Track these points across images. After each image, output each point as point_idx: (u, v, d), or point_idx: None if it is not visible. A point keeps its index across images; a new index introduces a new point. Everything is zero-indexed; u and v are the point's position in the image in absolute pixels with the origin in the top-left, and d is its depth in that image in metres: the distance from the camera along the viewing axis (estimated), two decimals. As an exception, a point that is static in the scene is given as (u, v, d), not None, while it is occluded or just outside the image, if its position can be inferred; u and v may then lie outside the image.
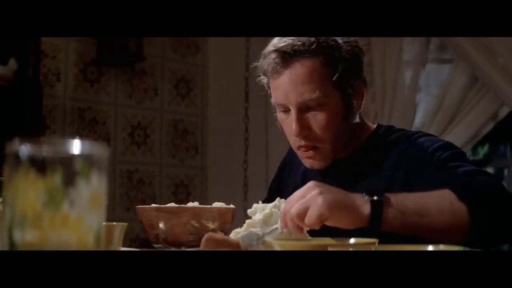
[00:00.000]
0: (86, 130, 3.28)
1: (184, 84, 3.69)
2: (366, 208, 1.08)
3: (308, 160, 1.43)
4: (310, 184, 1.09)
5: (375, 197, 1.09)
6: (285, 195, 1.54)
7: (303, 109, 1.35)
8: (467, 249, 1.12)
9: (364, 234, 1.01)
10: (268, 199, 1.54)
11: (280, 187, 1.64)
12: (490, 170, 3.37)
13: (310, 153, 1.40)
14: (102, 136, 3.33)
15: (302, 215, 1.05)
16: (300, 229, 1.08)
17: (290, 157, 1.64)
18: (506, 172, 3.43)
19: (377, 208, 1.09)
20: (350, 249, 0.84)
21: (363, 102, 1.43)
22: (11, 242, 0.53)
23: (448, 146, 1.36)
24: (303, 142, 1.38)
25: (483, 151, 3.57)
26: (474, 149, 3.32)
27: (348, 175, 1.40)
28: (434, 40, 3.10)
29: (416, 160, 1.34)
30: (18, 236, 0.53)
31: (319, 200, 1.04)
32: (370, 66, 3.14)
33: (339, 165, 1.42)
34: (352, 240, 0.95)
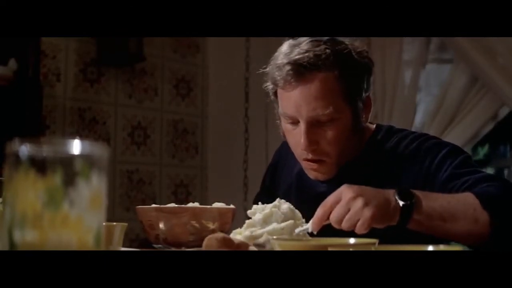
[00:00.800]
0: (86, 130, 3.28)
1: (184, 84, 3.69)
2: (397, 211, 1.11)
3: (312, 172, 1.41)
4: (349, 190, 1.09)
5: (407, 202, 1.12)
6: (278, 192, 1.54)
7: (313, 124, 1.32)
8: (466, 249, 1.14)
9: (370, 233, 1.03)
10: (262, 194, 1.54)
11: (273, 184, 1.63)
12: (490, 170, 3.37)
13: (316, 165, 1.38)
14: (102, 136, 3.33)
15: (341, 221, 1.09)
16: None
17: (284, 155, 1.62)
18: (506, 172, 3.43)
19: (407, 212, 1.12)
20: (350, 249, 0.84)
21: (371, 114, 1.43)
22: (11, 242, 0.53)
23: (457, 151, 1.36)
24: (310, 156, 1.36)
25: (483, 151, 3.57)
26: (474, 149, 3.32)
27: (351, 180, 1.40)
28: (434, 40, 3.10)
29: (426, 167, 1.33)
30: (18, 236, 0.53)
31: (367, 213, 1.07)
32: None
33: (341, 170, 1.41)
34: (352, 240, 0.95)
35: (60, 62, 3.21)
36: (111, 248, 1.14)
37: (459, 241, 1.21)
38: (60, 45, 3.20)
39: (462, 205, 1.16)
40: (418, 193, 1.14)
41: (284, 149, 1.63)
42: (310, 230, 1.13)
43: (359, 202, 1.07)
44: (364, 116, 1.39)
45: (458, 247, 0.73)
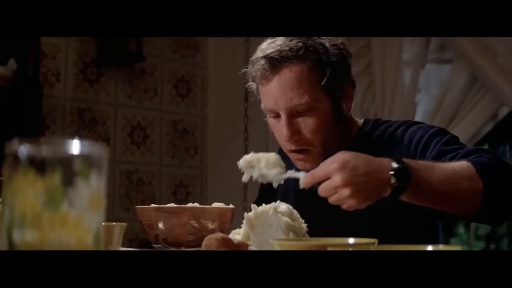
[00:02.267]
0: (85, 130, 3.28)
1: (184, 84, 3.69)
2: (390, 188, 1.10)
3: (299, 162, 1.43)
4: (340, 173, 1.07)
5: (402, 183, 1.10)
6: (277, 197, 1.54)
7: (293, 114, 1.36)
8: (464, 248, 1.14)
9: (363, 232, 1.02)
10: (260, 200, 1.54)
11: (270, 191, 1.63)
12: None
13: (301, 156, 1.41)
14: (102, 136, 3.33)
15: (327, 197, 1.09)
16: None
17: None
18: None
19: (399, 192, 1.10)
20: (350, 249, 0.84)
21: (353, 103, 1.45)
22: (11, 242, 0.53)
23: (442, 131, 1.39)
24: (293, 147, 1.39)
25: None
26: (474, 149, 3.31)
27: None
28: (434, 40, 3.10)
29: (413, 149, 1.35)
30: (17, 236, 0.53)
31: (352, 203, 1.07)
32: (370, 66, 3.14)
33: None
34: (351, 240, 0.95)
35: (60, 62, 3.21)
36: (111, 248, 1.14)
37: (451, 208, 1.21)
38: (60, 45, 3.20)
39: (459, 178, 1.15)
40: (415, 165, 1.13)
41: (280, 154, 1.64)
42: (301, 186, 1.13)
43: (346, 192, 1.07)
44: (344, 105, 1.42)
45: (458, 247, 0.73)
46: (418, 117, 3.10)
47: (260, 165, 1.17)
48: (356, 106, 1.50)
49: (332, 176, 1.08)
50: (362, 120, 1.52)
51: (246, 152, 1.18)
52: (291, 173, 1.15)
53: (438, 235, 1.48)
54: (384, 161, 1.12)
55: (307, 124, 1.37)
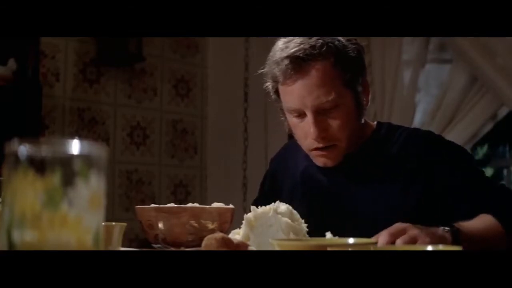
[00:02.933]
0: (85, 130, 3.28)
1: (184, 84, 3.69)
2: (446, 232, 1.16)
3: (321, 159, 1.44)
4: (414, 227, 1.11)
5: (454, 229, 1.17)
6: (282, 195, 1.55)
7: (319, 112, 1.36)
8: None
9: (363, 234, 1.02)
10: (260, 200, 1.54)
11: (273, 190, 1.63)
12: (489, 170, 3.37)
13: (325, 152, 1.42)
14: (102, 136, 3.33)
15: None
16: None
17: (282, 161, 1.64)
18: (505, 172, 3.43)
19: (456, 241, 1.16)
20: (349, 249, 0.84)
21: (370, 96, 1.47)
22: (10, 242, 0.53)
23: (467, 155, 1.45)
24: (320, 144, 1.40)
25: (482, 151, 3.58)
26: (474, 149, 3.32)
27: (354, 170, 1.44)
28: (434, 40, 3.10)
29: (436, 167, 1.38)
30: (17, 236, 0.53)
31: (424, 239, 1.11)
32: (370, 66, 3.14)
33: (345, 160, 1.44)
34: (351, 240, 0.94)
35: (60, 62, 3.21)
36: (110, 248, 1.14)
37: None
38: (60, 45, 3.20)
39: (492, 235, 1.25)
40: (460, 226, 1.20)
41: (282, 156, 1.66)
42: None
43: (423, 237, 1.10)
44: (365, 99, 1.44)
45: (457, 247, 0.73)
46: (418, 117, 3.10)
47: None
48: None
49: (408, 231, 1.10)
50: (375, 123, 1.54)
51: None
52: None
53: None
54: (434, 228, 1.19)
55: (334, 121, 1.37)
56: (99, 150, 0.56)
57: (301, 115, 1.39)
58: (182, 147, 3.66)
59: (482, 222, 1.26)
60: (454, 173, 1.37)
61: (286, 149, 1.69)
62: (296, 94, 1.36)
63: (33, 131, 2.75)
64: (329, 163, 1.44)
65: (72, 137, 0.66)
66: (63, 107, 3.21)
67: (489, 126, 2.93)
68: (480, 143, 3.06)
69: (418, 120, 3.13)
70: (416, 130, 1.52)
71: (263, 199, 1.61)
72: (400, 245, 1.10)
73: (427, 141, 1.43)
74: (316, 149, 1.41)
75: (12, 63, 2.76)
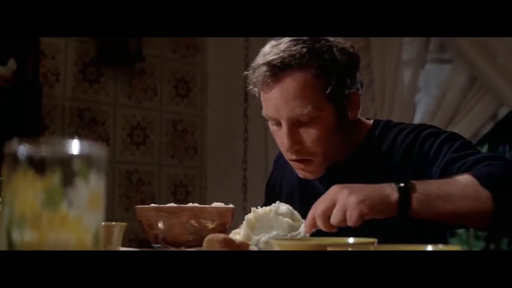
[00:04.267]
0: (85, 130, 3.28)
1: (184, 84, 3.69)
2: (394, 196, 1.09)
3: (300, 172, 1.41)
4: (335, 187, 1.09)
5: (402, 184, 1.10)
6: (282, 199, 1.54)
7: (294, 123, 1.31)
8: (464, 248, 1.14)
9: (370, 231, 1.02)
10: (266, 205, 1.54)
11: (274, 192, 1.62)
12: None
13: (302, 165, 1.38)
14: (102, 136, 3.33)
15: (328, 213, 1.08)
16: (333, 227, 1.09)
17: (281, 164, 1.62)
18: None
19: (405, 194, 1.09)
20: (349, 249, 0.84)
21: (359, 110, 1.39)
22: (10, 242, 0.53)
23: (454, 136, 1.34)
24: (294, 156, 1.35)
25: (482, 151, 3.57)
26: (474, 149, 3.31)
27: (350, 177, 1.39)
28: (434, 40, 3.10)
29: (424, 157, 1.31)
30: (16, 236, 0.53)
31: (353, 199, 1.06)
32: (369, 66, 3.14)
33: (338, 168, 1.39)
34: (351, 240, 0.94)
35: (60, 62, 3.21)
36: (110, 248, 1.14)
37: (462, 222, 1.19)
38: (60, 45, 3.20)
39: (460, 185, 1.13)
40: (413, 181, 1.12)
41: (281, 159, 1.64)
42: (302, 234, 1.12)
43: (354, 198, 1.06)
44: (350, 113, 1.36)
45: (457, 247, 0.73)
46: (418, 117, 3.10)
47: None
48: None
49: (337, 198, 1.08)
50: (372, 121, 1.46)
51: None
52: (294, 233, 1.14)
53: (447, 241, 1.45)
54: (383, 184, 1.12)
55: (309, 134, 1.31)
56: (99, 150, 0.56)
57: (278, 123, 1.34)
58: (182, 147, 3.66)
59: (454, 179, 1.16)
60: (439, 157, 1.28)
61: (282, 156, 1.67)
62: (273, 103, 1.31)
63: (33, 131, 2.75)
64: (308, 175, 1.40)
65: (72, 137, 0.66)
66: (63, 107, 3.21)
67: (489, 126, 2.93)
68: (480, 143, 3.05)
69: (418, 120, 3.13)
70: (408, 125, 1.43)
71: (268, 203, 1.61)
72: (336, 219, 1.07)
73: (413, 133, 1.36)
74: (292, 160, 1.37)
75: (12, 63, 2.76)
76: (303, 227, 1.13)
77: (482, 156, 1.23)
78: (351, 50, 1.35)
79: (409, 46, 3.10)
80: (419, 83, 3.12)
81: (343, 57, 1.32)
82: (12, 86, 2.74)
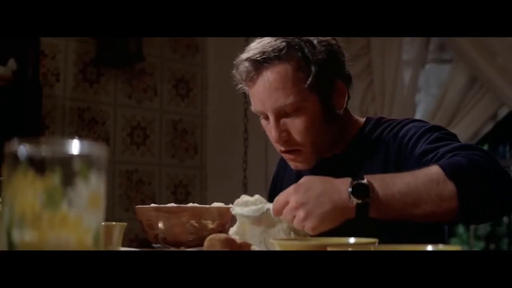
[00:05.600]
0: (85, 130, 3.28)
1: (184, 84, 3.69)
2: (353, 208, 1.08)
3: (292, 163, 1.43)
4: (293, 197, 1.09)
5: (361, 200, 1.07)
6: None
7: (280, 115, 1.35)
8: (447, 248, 1.13)
9: (361, 231, 1.02)
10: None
11: (276, 192, 1.63)
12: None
13: (292, 156, 1.40)
14: (102, 136, 3.33)
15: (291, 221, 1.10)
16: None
17: (283, 164, 1.64)
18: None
19: (364, 210, 1.08)
20: (349, 249, 0.84)
21: (346, 99, 1.41)
22: (10, 242, 0.53)
23: (435, 128, 1.33)
24: (283, 147, 1.38)
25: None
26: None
27: (340, 172, 1.39)
28: (434, 40, 3.10)
29: (404, 148, 1.32)
30: (17, 236, 0.53)
31: (309, 224, 1.07)
32: (369, 66, 3.14)
33: (330, 163, 1.42)
34: (351, 240, 0.94)
35: (60, 62, 3.21)
36: (110, 248, 1.14)
37: (426, 221, 1.17)
38: (60, 45, 3.20)
39: (424, 184, 1.09)
40: (374, 179, 1.09)
41: (282, 160, 1.65)
42: (273, 214, 1.14)
43: (300, 214, 1.07)
44: (336, 102, 1.39)
45: (457, 247, 0.73)
46: (418, 117, 3.10)
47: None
48: (356, 106, 1.50)
49: (290, 199, 1.09)
50: (364, 119, 1.49)
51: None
52: (264, 206, 1.15)
53: (444, 239, 1.45)
54: (342, 181, 1.10)
55: (295, 124, 1.35)
56: (99, 150, 0.56)
57: (266, 117, 1.38)
58: (182, 147, 3.66)
59: (417, 171, 1.13)
60: (418, 145, 1.27)
61: None
62: (257, 96, 1.36)
63: (33, 131, 2.75)
64: (299, 166, 1.42)
65: (72, 137, 0.66)
66: (63, 107, 3.21)
67: (489, 126, 2.93)
68: (480, 143, 3.05)
69: (418, 120, 3.13)
70: (395, 120, 1.44)
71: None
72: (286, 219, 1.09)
73: (397, 127, 1.38)
74: (282, 152, 1.40)
75: (12, 63, 2.76)
76: (272, 208, 1.14)
77: (453, 147, 1.19)
78: (333, 41, 1.38)
79: (409, 46, 3.10)
80: (419, 83, 3.12)
81: (323, 48, 1.35)
82: (12, 86, 2.74)
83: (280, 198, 1.12)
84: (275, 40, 1.34)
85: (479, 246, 3.83)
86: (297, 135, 1.35)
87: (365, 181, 1.08)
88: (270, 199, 1.60)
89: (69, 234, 0.53)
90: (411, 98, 3.09)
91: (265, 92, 1.34)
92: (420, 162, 1.22)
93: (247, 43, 1.43)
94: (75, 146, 0.54)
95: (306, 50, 1.33)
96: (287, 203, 1.10)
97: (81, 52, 3.27)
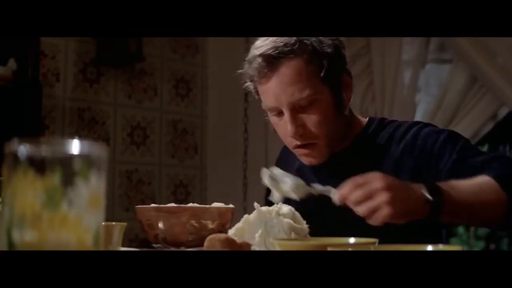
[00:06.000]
0: (85, 130, 3.28)
1: (184, 84, 3.69)
2: (427, 207, 1.12)
3: (305, 158, 1.44)
4: (379, 180, 1.09)
5: (436, 198, 1.13)
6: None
7: (295, 109, 1.36)
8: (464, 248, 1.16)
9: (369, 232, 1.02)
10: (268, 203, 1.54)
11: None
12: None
13: (307, 150, 1.41)
14: (102, 136, 3.33)
15: (358, 204, 1.09)
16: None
17: (283, 158, 1.64)
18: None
19: (437, 207, 1.13)
20: (350, 249, 0.84)
21: (352, 93, 1.45)
22: (10, 242, 0.53)
23: (454, 135, 1.39)
24: (299, 142, 1.39)
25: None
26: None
27: (346, 169, 1.39)
28: (434, 40, 3.10)
29: (425, 152, 1.36)
30: (17, 236, 0.53)
31: (386, 211, 1.07)
32: (370, 66, 3.14)
33: (335, 159, 1.43)
34: (351, 240, 0.95)
35: (60, 62, 3.21)
36: (110, 248, 1.14)
37: (478, 226, 1.29)
38: (60, 45, 3.20)
39: (485, 192, 1.19)
40: (443, 186, 1.16)
41: (280, 159, 1.67)
42: (337, 203, 1.13)
43: (383, 196, 1.07)
44: (345, 94, 1.42)
45: (457, 247, 0.73)
46: (418, 117, 3.10)
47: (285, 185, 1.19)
48: (356, 106, 1.50)
49: (372, 182, 1.09)
50: (367, 119, 1.52)
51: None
52: (321, 189, 1.16)
53: (442, 239, 1.47)
54: (415, 184, 1.15)
55: (311, 117, 1.36)
56: (99, 150, 0.56)
57: (279, 113, 1.39)
58: (182, 147, 3.66)
59: (475, 181, 1.21)
60: (444, 156, 1.34)
61: (282, 151, 1.69)
62: (271, 92, 1.36)
63: (33, 131, 2.75)
64: (313, 161, 1.43)
65: (72, 137, 0.66)
66: (63, 107, 3.21)
67: (489, 126, 2.93)
68: (480, 143, 3.05)
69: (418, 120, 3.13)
70: (404, 122, 1.49)
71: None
72: (362, 212, 1.08)
73: (411, 130, 1.42)
74: (297, 147, 1.41)
75: (12, 63, 2.76)
76: (336, 195, 1.13)
77: (489, 158, 1.29)
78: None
79: (409, 46, 3.10)
80: (419, 83, 3.12)
81: (329, 42, 1.37)
82: (12, 86, 2.74)
83: (358, 179, 1.11)
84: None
85: (479, 246, 3.83)
86: (312, 128, 1.37)
87: (437, 185, 1.15)
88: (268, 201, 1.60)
89: (69, 234, 0.53)
90: (411, 98, 3.09)
91: (280, 87, 1.34)
92: (454, 172, 1.28)
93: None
94: (75, 146, 0.54)
95: (315, 44, 1.35)
96: (362, 184, 1.09)
97: (81, 52, 3.27)
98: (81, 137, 3.21)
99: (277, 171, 1.22)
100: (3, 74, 2.72)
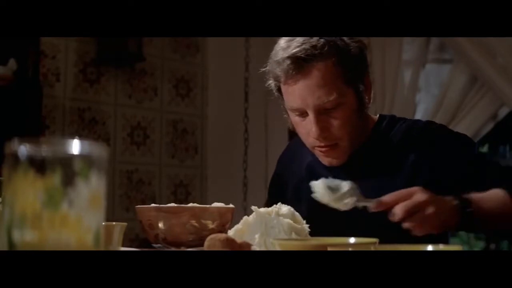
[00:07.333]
0: (85, 130, 3.28)
1: (184, 84, 3.69)
2: (458, 219, 1.19)
3: (326, 158, 1.45)
4: (423, 194, 1.14)
5: (470, 209, 1.19)
6: (287, 191, 1.55)
7: (320, 111, 1.36)
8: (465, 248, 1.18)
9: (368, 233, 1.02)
10: (269, 204, 1.54)
11: (280, 189, 1.64)
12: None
13: (328, 151, 1.42)
14: (102, 136, 3.33)
15: (406, 214, 1.13)
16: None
17: (289, 153, 1.64)
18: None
19: (469, 218, 1.19)
20: (349, 249, 0.84)
21: (372, 94, 1.47)
22: (10, 242, 0.53)
23: (469, 141, 1.45)
24: (322, 143, 1.40)
25: (482, 151, 3.57)
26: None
27: (361, 165, 1.44)
28: (434, 40, 3.10)
29: (446, 155, 1.39)
30: (17, 236, 0.53)
31: (434, 222, 1.14)
32: (370, 66, 3.14)
33: (350, 158, 1.45)
34: (351, 240, 0.95)
35: (60, 62, 3.21)
36: (111, 248, 1.14)
37: (493, 236, 1.36)
38: (60, 45, 3.20)
39: (504, 204, 1.26)
40: (472, 198, 1.21)
41: (286, 155, 1.65)
42: (372, 210, 1.16)
43: (430, 209, 1.12)
44: (367, 96, 1.44)
45: (457, 247, 0.73)
46: (418, 117, 3.10)
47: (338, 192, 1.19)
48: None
49: (415, 195, 1.13)
50: (377, 115, 1.54)
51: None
52: (362, 203, 1.17)
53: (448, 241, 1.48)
54: (447, 196, 1.20)
55: (335, 120, 1.38)
56: (99, 150, 0.56)
57: (303, 114, 1.39)
58: (182, 147, 3.66)
59: (493, 194, 1.27)
60: (459, 162, 1.37)
61: (290, 147, 1.70)
62: (298, 94, 1.36)
63: (33, 131, 2.75)
64: (334, 162, 1.44)
65: (73, 137, 0.66)
66: (63, 107, 3.21)
67: (489, 126, 2.93)
68: (481, 143, 3.05)
69: (418, 120, 3.12)
70: (417, 121, 1.51)
71: (271, 201, 1.62)
72: (401, 209, 1.12)
73: (428, 131, 1.44)
74: (319, 147, 1.42)
75: (12, 63, 2.76)
76: (373, 203, 1.15)
77: (504, 170, 1.37)
78: (357, 38, 1.42)
79: (409, 46, 3.10)
80: (420, 83, 3.13)
81: (353, 44, 1.38)
82: (12, 86, 2.74)
83: (403, 191, 1.15)
84: (311, 38, 1.35)
85: (479, 246, 3.83)
86: (336, 130, 1.38)
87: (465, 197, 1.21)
88: (272, 197, 1.61)
89: (70, 234, 0.53)
90: (411, 98, 3.09)
91: (307, 89, 1.35)
92: (472, 180, 1.34)
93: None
94: (75, 146, 0.54)
95: (342, 46, 1.36)
96: (407, 197, 1.13)
97: (81, 52, 3.27)
98: (81, 137, 3.21)
99: (328, 180, 1.21)
100: (3, 74, 2.72)
